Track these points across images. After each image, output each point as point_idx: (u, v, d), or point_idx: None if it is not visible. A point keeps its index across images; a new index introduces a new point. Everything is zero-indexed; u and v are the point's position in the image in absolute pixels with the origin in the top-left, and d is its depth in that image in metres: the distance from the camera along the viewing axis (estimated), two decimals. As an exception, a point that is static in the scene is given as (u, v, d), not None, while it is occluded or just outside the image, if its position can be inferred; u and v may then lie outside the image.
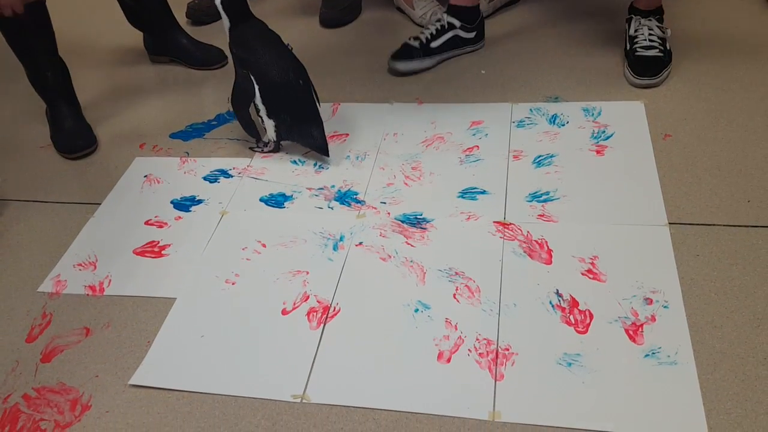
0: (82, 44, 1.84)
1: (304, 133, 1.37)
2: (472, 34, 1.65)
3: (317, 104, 1.36)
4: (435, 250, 1.16)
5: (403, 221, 1.23)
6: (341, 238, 1.21)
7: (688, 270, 1.06)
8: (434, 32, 1.63)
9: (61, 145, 1.52)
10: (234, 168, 1.42)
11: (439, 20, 1.65)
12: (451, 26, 1.63)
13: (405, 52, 1.63)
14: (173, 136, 1.54)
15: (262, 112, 1.35)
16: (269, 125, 1.37)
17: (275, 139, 1.40)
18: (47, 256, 1.26)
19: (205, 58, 1.80)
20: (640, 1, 1.56)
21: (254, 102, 1.34)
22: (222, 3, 1.28)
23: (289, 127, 1.36)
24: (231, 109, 1.59)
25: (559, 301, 1.04)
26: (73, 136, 1.52)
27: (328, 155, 1.37)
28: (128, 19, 1.78)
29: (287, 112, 1.34)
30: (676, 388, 0.90)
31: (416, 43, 1.63)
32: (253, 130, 1.41)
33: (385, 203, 1.27)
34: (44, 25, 1.46)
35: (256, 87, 1.31)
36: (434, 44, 1.63)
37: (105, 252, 1.25)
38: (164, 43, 1.81)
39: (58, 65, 1.53)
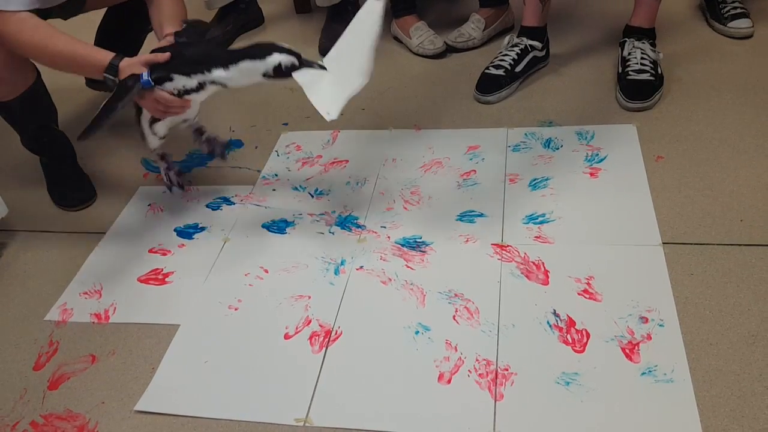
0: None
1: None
2: (543, 53, 1.70)
3: None
4: (434, 273, 1.18)
5: (403, 245, 1.25)
6: (342, 263, 1.23)
7: (683, 289, 1.08)
8: (516, 57, 1.65)
9: (59, 198, 1.51)
10: (236, 195, 1.44)
11: (516, 44, 1.67)
12: (533, 48, 1.66)
13: (492, 83, 1.63)
14: (175, 164, 1.57)
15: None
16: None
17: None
18: (53, 285, 1.28)
19: None
20: (636, 19, 1.60)
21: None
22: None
23: None
24: (232, 137, 1.63)
25: (557, 321, 1.05)
26: (72, 190, 1.51)
27: None
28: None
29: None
30: (673, 405, 0.91)
31: (500, 71, 1.63)
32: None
33: (385, 227, 1.29)
34: (41, 105, 1.42)
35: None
36: (518, 68, 1.65)
37: (110, 280, 1.27)
38: None
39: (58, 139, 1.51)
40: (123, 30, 1.60)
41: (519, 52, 1.66)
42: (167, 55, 1.12)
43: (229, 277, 1.23)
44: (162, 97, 1.14)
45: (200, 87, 1.11)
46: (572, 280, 1.12)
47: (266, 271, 1.23)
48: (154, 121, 1.27)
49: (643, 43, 1.57)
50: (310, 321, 1.12)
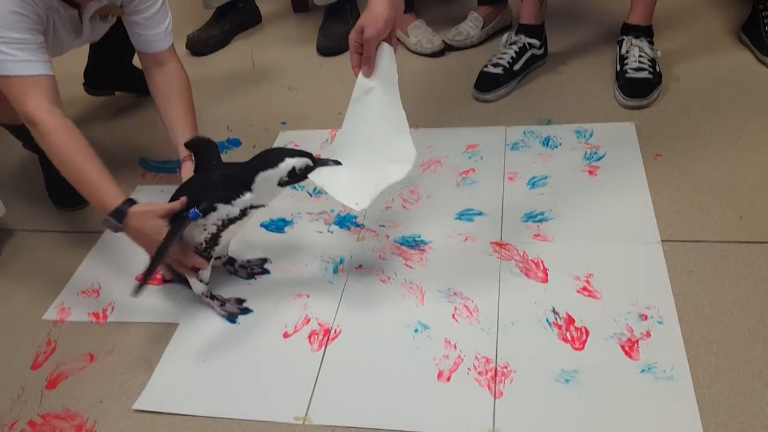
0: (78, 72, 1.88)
1: None
2: (541, 51, 1.70)
3: None
4: (433, 272, 1.17)
5: (401, 243, 1.25)
6: (341, 261, 1.23)
7: (682, 286, 1.07)
8: (514, 55, 1.65)
9: (58, 198, 1.50)
10: (234, 194, 1.44)
11: (514, 42, 1.67)
12: (531, 46, 1.66)
13: (490, 81, 1.63)
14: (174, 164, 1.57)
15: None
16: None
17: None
18: (51, 284, 1.28)
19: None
20: (633, 17, 1.60)
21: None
22: None
23: None
24: (230, 136, 1.62)
25: (556, 318, 1.05)
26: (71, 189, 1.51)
27: None
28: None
29: None
30: (672, 402, 0.91)
31: (499, 70, 1.63)
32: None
33: (384, 226, 1.29)
34: None
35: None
36: (516, 67, 1.65)
37: (108, 279, 1.27)
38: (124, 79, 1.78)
39: None
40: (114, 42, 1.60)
41: (517, 50, 1.65)
42: (183, 200, 1.05)
43: (228, 276, 1.23)
44: (190, 257, 1.08)
45: (243, 214, 1.05)
46: (571, 278, 1.12)
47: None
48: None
49: (641, 40, 1.57)
50: (309, 320, 1.12)
